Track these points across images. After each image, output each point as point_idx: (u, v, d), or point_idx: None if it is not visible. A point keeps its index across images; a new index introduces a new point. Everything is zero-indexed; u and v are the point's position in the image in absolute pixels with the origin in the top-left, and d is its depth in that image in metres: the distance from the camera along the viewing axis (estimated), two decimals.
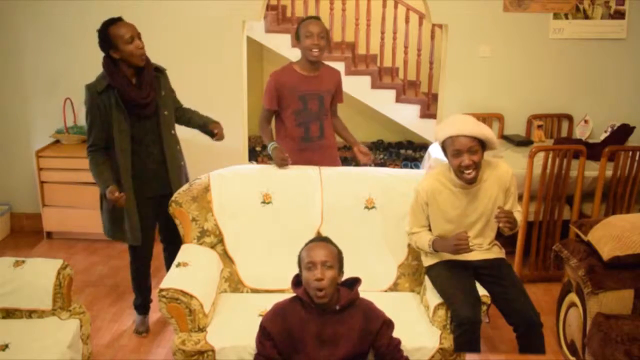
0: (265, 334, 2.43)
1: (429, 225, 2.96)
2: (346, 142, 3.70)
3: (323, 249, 2.42)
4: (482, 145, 2.76)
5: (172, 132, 3.29)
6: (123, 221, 3.22)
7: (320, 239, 2.54)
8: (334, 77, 3.54)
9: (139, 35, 3.07)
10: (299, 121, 3.44)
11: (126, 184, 3.14)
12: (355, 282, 2.52)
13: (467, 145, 2.71)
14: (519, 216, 2.91)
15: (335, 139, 3.65)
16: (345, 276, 2.52)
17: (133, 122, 3.12)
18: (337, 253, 2.46)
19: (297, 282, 2.52)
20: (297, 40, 3.39)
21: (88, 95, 3.09)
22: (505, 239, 3.27)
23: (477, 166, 2.75)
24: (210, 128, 3.36)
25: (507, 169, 2.90)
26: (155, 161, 3.23)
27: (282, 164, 3.30)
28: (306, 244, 2.50)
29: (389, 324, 2.47)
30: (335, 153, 3.64)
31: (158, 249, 3.55)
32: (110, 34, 3.01)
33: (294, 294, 2.51)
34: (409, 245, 3.16)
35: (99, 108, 3.07)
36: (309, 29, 3.30)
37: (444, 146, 2.82)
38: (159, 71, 3.25)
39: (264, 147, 7.21)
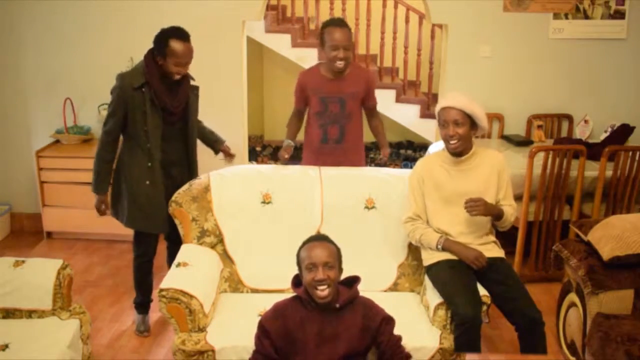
0: (264, 333, 2.43)
1: (425, 213, 3.00)
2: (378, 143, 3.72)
3: (323, 249, 2.41)
4: (472, 122, 2.90)
5: (195, 140, 3.41)
6: (152, 210, 3.27)
7: (318, 238, 2.53)
8: (362, 78, 3.45)
9: (187, 64, 3.13)
10: (319, 123, 3.46)
11: (158, 177, 3.24)
12: (354, 280, 2.52)
13: (453, 117, 2.88)
14: (509, 210, 2.96)
15: (361, 142, 3.61)
16: (344, 275, 2.52)
17: (163, 123, 3.22)
18: (336, 252, 2.46)
19: (296, 282, 2.52)
20: (321, 45, 3.34)
21: (119, 86, 3.14)
22: (505, 239, 3.28)
23: (461, 138, 2.89)
24: (221, 148, 3.59)
25: (497, 154, 3.05)
26: (172, 163, 3.30)
27: (282, 162, 3.43)
28: (304, 243, 2.48)
29: (388, 320, 2.47)
30: (358, 158, 3.58)
31: (160, 248, 3.55)
32: (169, 46, 3.06)
33: (294, 294, 2.51)
34: (409, 245, 3.16)
35: (128, 102, 3.13)
36: (335, 41, 3.24)
37: (438, 118, 2.98)
38: (195, 89, 3.34)
39: (264, 147, 7.24)
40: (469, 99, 2.92)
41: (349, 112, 3.43)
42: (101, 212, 3.34)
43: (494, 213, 2.90)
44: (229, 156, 3.63)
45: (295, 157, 3.67)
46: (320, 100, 3.40)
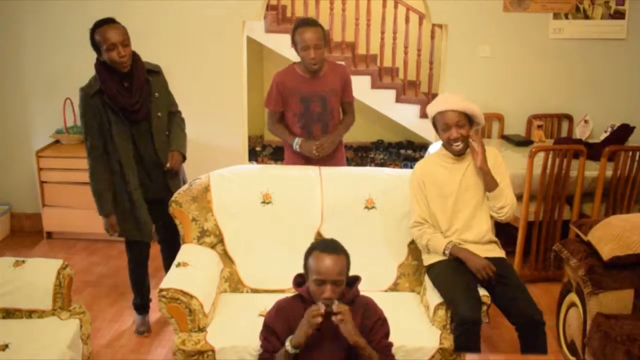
0: (270, 331, 2.43)
1: (429, 215, 2.98)
2: None
3: (335, 265, 2.34)
4: (469, 121, 2.92)
5: (167, 132, 3.26)
6: (130, 219, 3.22)
7: (331, 247, 2.41)
8: (338, 73, 3.41)
9: (123, 42, 2.98)
10: (301, 123, 3.40)
11: (133, 183, 3.16)
12: (355, 280, 2.52)
13: (454, 120, 2.89)
14: (507, 190, 2.93)
15: (342, 140, 3.58)
16: None
17: (129, 124, 3.12)
18: (346, 263, 2.40)
19: (298, 282, 2.52)
20: (293, 46, 3.30)
21: (82, 98, 3.08)
22: (505, 239, 3.28)
23: (464, 139, 2.91)
24: (167, 156, 3.22)
25: (492, 149, 3.03)
26: (150, 163, 3.22)
27: (316, 153, 3.30)
28: (314, 248, 2.42)
29: (383, 322, 2.47)
30: (340, 155, 3.57)
31: (157, 249, 3.55)
32: (95, 37, 2.98)
33: (296, 292, 2.51)
34: (409, 245, 3.16)
35: (94, 111, 3.06)
36: (305, 41, 3.19)
37: (434, 122, 2.98)
38: (153, 72, 3.20)
39: (264, 147, 7.24)
40: (461, 97, 2.93)
41: (330, 109, 3.39)
42: (111, 234, 3.24)
43: (490, 176, 2.89)
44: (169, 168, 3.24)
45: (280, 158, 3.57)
46: (300, 100, 3.35)
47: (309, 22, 3.29)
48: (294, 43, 3.28)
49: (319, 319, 2.30)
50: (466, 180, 2.96)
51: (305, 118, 3.39)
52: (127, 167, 3.14)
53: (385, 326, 2.48)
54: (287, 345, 2.33)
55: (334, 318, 2.31)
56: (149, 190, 3.25)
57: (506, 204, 2.92)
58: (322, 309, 2.30)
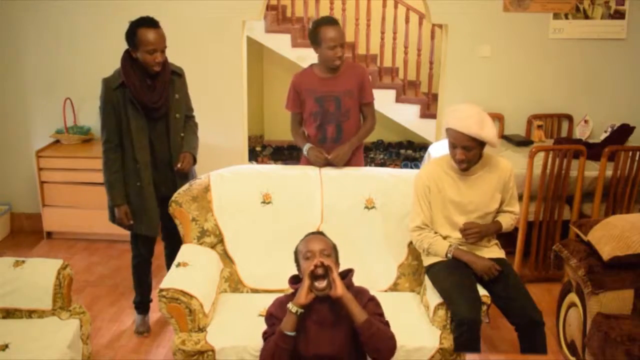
0: (275, 320, 2.45)
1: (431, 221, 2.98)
2: None
3: (320, 241, 2.49)
4: (482, 142, 2.82)
5: (182, 134, 3.29)
6: (139, 214, 3.25)
7: (314, 233, 2.60)
8: (355, 74, 3.39)
9: (162, 49, 3.06)
10: (317, 123, 3.41)
11: (146, 178, 3.20)
12: (348, 272, 2.55)
13: (462, 142, 2.80)
14: (509, 220, 2.98)
15: (362, 143, 3.55)
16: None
17: (147, 121, 3.17)
18: (332, 245, 2.52)
19: (294, 281, 2.54)
20: (314, 44, 3.29)
21: (103, 90, 3.12)
22: (505, 239, 3.28)
23: (469, 160, 2.84)
24: (179, 156, 3.26)
25: (507, 165, 2.97)
26: (162, 162, 3.26)
27: (321, 163, 3.32)
28: (302, 239, 2.54)
29: (376, 304, 2.49)
30: (356, 157, 3.50)
31: (159, 248, 3.55)
32: (137, 36, 3.01)
33: (292, 291, 2.52)
34: (409, 245, 3.15)
35: (113, 104, 3.10)
36: (333, 41, 3.20)
37: (447, 134, 2.91)
38: (177, 74, 3.25)
39: (264, 147, 7.24)
40: (479, 118, 2.78)
41: (345, 110, 3.39)
42: (125, 224, 3.26)
43: (491, 233, 2.95)
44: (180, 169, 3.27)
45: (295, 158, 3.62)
46: (315, 100, 3.37)
47: (332, 21, 3.30)
48: (316, 41, 3.27)
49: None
50: (469, 196, 2.92)
51: (320, 117, 3.40)
52: (142, 162, 3.18)
53: (379, 308, 2.49)
54: (290, 306, 2.36)
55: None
56: (159, 188, 3.28)
57: (510, 228, 3.00)
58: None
